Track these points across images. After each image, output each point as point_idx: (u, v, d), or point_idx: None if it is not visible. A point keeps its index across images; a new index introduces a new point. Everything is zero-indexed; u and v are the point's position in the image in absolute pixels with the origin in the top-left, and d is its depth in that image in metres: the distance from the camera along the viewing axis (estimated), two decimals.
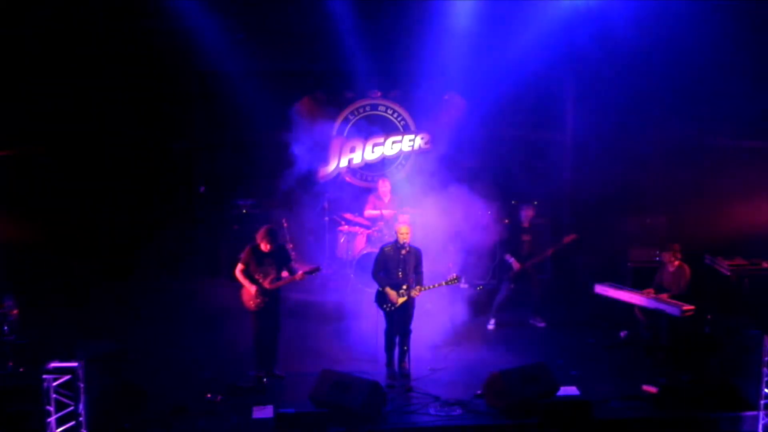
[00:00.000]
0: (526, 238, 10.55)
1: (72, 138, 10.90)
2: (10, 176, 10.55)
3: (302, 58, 10.96)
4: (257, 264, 8.51)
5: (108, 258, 11.14)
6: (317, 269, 8.90)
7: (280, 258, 8.59)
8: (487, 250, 11.19)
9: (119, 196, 11.13)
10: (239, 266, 8.56)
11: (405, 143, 12.37)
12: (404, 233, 8.47)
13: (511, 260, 10.39)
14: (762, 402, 7.40)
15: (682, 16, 10.51)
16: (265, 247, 8.45)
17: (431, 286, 8.63)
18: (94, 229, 11.04)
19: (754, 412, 7.50)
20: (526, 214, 10.58)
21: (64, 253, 10.93)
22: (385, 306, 8.57)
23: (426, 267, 8.76)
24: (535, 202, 11.80)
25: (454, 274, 8.75)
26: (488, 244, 11.09)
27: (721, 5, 10.26)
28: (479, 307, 10.56)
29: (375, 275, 8.61)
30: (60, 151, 10.91)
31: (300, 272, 8.57)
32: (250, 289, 8.49)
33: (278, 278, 8.55)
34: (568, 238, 10.61)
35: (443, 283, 8.65)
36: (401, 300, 8.48)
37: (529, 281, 10.58)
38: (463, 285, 10.99)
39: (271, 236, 8.45)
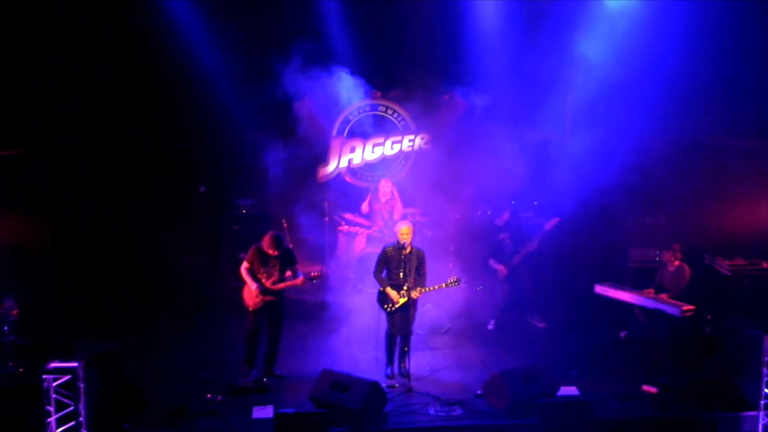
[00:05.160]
0: (504, 236, 10.55)
1: (71, 138, 10.89)
2: (10, 176, 10.55)
3: (303, 58, 10.95)
4: (261, 263, 8.53)
5: (107, 258, 11.13)
6: (319, 276, 8.88)
7: (285, 260, 8.61)
8: (487, 250, 11.20)
9: (119, 196, 11.12)
10: (245, 264, 8.60)
11: (405, 143, 12.35)
12: (404, 233, 8.46)
13: (495, 265, 10.41)
14: (762, 402, 7.40)
15: (685, 17, 10.52)
16: (272, 253, 8.48)
17: (431, 288, 8.61)
18: (94, 230, 11.03)
19: (754, 412, 7.50)
20: (502, 216, 10.62)
21: (63, 253, 10.93)
22: (386, 306, 8.57)
23: (428, 267, 8.74)
24: (535, 202, 11.82)
25: (455, 277, 8.74)
26: (488, 245, 11.09)
27: (725, 5, 10.26)
28: (479, 307, 10.56)
29: (376, 275, 8.61)
30: (59, 152, 10.91)
31: (301, 278, 8.58)
32: (251, 287, 8.50)
33: (281, 279, 8.56)
34: (549, 224, 10.57)
35: (443, 285, 8.64)
36: (402, 300, 8.47)
37: (521, 281, 10.57)
38: (464, 285, 10.97)
39: (277, 243, 8.47)
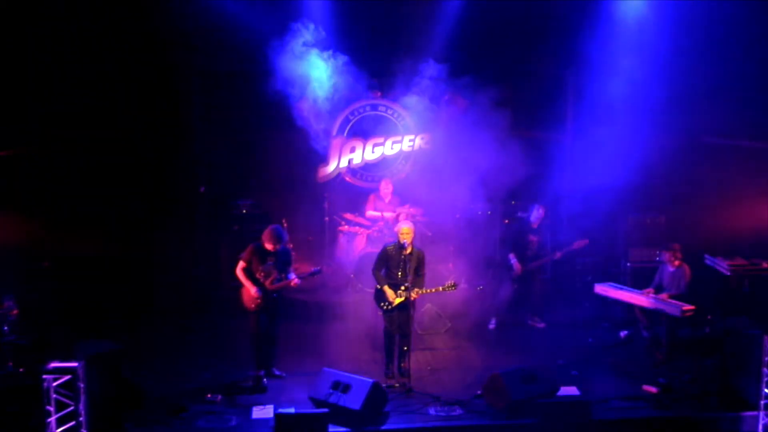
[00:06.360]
0: (533, 238, 10.49)
1: (71, 138, 10.90)
2: (10, 176, 10.55)
3: (303, 57, 10.96)
4: (260, 262, 8.51)
5: (107, 258, 11.13)
6: (314, 273, 8.86)
7: (282, 259, 8.59)
8: (488, 250, 11.19)
9: (119, 196, 11.12)
10: (240, 264, 8.55)
11: (405, 143, 12.34)
12: (405, 233, 8.45)
13: (513, 261, 10.35)
14: (762, 402, 7.40)
15: (682, 15, 10.53)
16: (270, 247, 8.46)
17: (429, 290, 8.60)
18: (94, 230, 11.03)
19: (754, 412, 7.50)
20: (537, 214, 10.51)
21: (63, 253, 10.92)
22: (382, 305, 8.55)
23: (427, 268, 8.74)
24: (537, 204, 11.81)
25: (452, 280, 8.68)
26: (489, 245, 11.08)
27: (727, 6, 10.27)
28: (480, 307, 10.56)
29: (375, 273, 8.61)
30: (58, 152, 10.91)
31: (294, 279, 8.55)
32: (250, 289, 8.48)
33: (279, 279, 8.54)
34: (578, 243, 10.50)
35: (440, 289, 8.62)
36: (398, 300, 8.46)
37: (531, 282, 10.55)
38: (464, 285, 10.97)
39: (277, 236, 8.45)
